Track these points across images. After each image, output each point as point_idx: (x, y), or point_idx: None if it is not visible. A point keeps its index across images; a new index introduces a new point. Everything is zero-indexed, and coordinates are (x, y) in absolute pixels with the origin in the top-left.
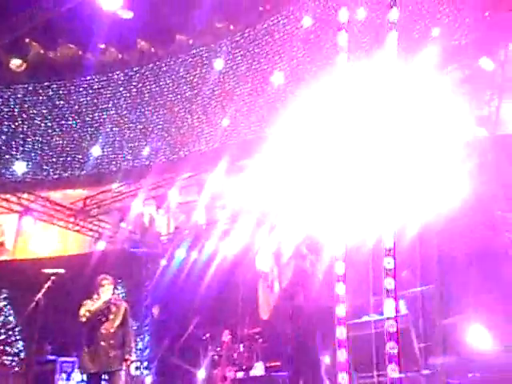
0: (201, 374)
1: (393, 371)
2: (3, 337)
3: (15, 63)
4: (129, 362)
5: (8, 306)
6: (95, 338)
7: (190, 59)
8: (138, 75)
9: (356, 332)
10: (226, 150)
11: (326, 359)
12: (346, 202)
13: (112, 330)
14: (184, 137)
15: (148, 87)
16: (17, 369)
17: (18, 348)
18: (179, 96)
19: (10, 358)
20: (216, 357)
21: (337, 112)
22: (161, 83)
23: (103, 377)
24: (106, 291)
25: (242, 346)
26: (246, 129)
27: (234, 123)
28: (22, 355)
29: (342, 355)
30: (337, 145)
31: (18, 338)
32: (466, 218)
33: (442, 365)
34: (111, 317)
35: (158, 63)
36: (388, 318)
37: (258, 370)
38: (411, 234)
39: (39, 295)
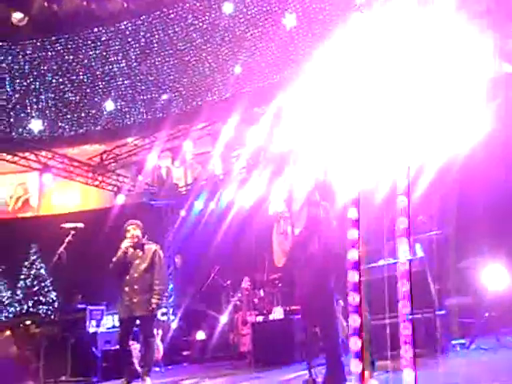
0: (223, 318)
1: (404, 307)
2: (36, 288)
3: (16, 17)
4: (153, 306)
5: (38, 260)
6: (121, 284)
7: (198, 4)
8: (145, 24)
9: (370, 276)
10: (240, 99)
11: (341, 303)
12: (360, 144)
13: (136, 275)
14: (196, 86)
15: (157, 36)
16: (52, 317)
17: (51, 298)
18: (189, 44)
19: (44, 307)
20: (238, 302)
21: (352, 52)
22: (169, 31)
23: (137, 322)
24: (131, 236)
25: (262, 291)
26: (258, 75)
27: (246, 70)
28: (55, 304)
29: (354, 298)
30: (353, 86)
31: (50, 288)
32: (487, 157)
33: (456, 305)
34: (137, 262)
35: (165, 10)
36: (400, 260)
37: (278, 313)
38: (430, 175)
39: (60, 249)
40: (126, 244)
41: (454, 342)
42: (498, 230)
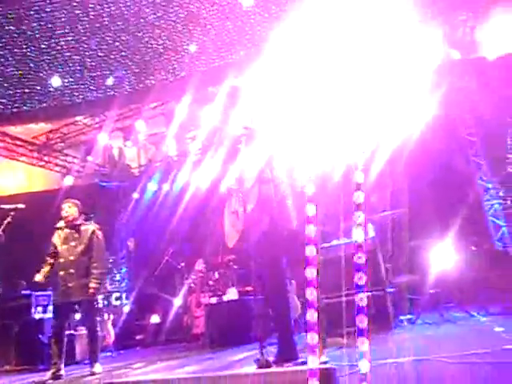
0: (177, 301)
1: (359, 279)
2: None
3: None
4: (91, 291)
5: None
6: (56, 267)
7: None
8: None
9: (325, 255)
10: (194, 78)
11: (293, 282)
12: (315, 126)
13: (72, 258)
14: (149, 64)
15: (107, 10)
16: None
17: None
18: (142, 20)
19: None
20: (192, 285)
21: (305, 34)
22: (120, 5)
23: (75, 308)
24: (65, 216)
25: (216, 273)
26: (214, 54)
27: (201, 49)
28: None
29: (311, 273)
30: (306, 68)
31: None
32: (434, 141)
33: (406, 283)
34: (72, 243)
35: None
36: (356, 235)
37: (232, 294)
38: (382, 157)
39: None
40: (60, 224)
41: (402, 318)
42: (445, 211)
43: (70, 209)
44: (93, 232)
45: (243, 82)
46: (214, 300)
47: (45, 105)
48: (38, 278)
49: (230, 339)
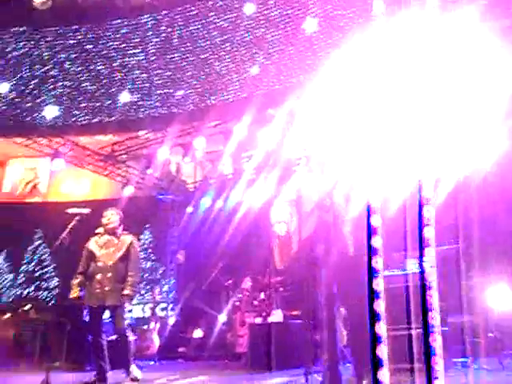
0: (221, 317)
1: (432, 319)
2: (38, 273)
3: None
4: (125, 297)
5: (42, 245)
6: (93, 271)
7: (221, 2)
8: (166, 19)
9: (387, 285)
10: (254, 100)
11: (342, 310)
12: (379, 151)
13: (110, 263)
14: (212, 84)
15: (177, 32)
16: (52, 303)
17: (52, 284)
18: (208, 42)
19: (45, 292)
20: (237, 303)
21: (371, 60)
22: (190, 28)
23: (106, 312)
24: (106, 223)
25: (262, 294)
26: (275, 77)
27: (263, 72)
28: (56, 291)
29: (379, 306)
30: (370, 94)
31: (52, 274)
32: (503, 175)
33: (460, 323)
34: (111, 249)
35: (187, 7)
36: (427, 270)
37: (277, 317)
38: (446, 188)
39: (63, 234)
40: (99, 230)
41: (455, 360)
42: (507, 248)
43: (112, 216)
44: (131, 242)
45: (302, 105)
46: (258, 320)
47: (113, 118)
48: (73, 295)
49: (273, 362)
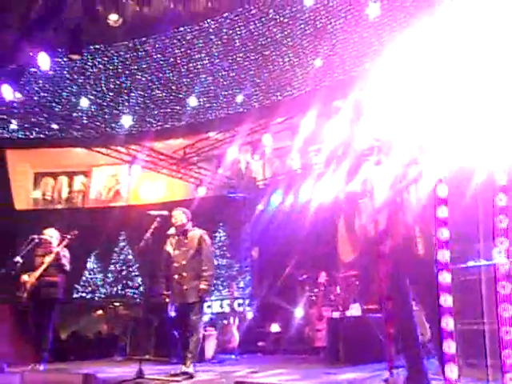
0: (298, 312)
1: (504, 311)
2: (125, 273)
3: (113, 18)
4: (202, 292)
5: (127, 246)
6: (172, 271)
7: None
8: (228, 21)
9: (459, 277)
10: (320, 92)
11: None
12: (448, 139)
13: (184, 262)
14: (276, 81)
15: (238, 33)
16: (138, 300)
17: (137, 282)
18: (270, 39)
19: (131, 290)
20: (313, 297)
21: (438, 41)
22: (251, 27)
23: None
24: (175, 222)
25: (338, 287)
26: (339, 68)
27: (326, 63)
28: (141, 288)
29: (445, 300)
30: (438, 77)
31: (136, 273)
32: None
33: None
34: (183, 249)
35: (247, 7)
36: (500, 261)
37: (355, 310)
38: None
39: (147, 235)
40: (171, 231)
41: None
42: None
43: (179, 216)
44: (200, 237)
45: (369, 94)
46: (336, 314)
47: (183, 122)
48: (164, 292)
49: (353, 356)
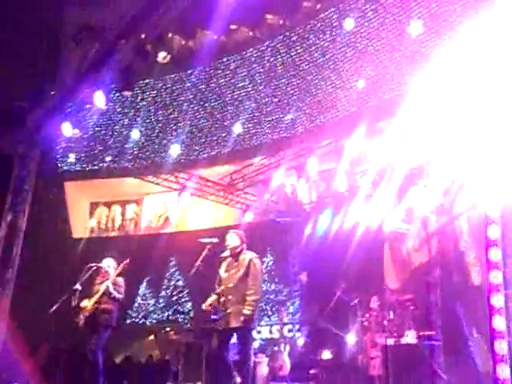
0: (350, 338)
1: None
2: (175, 298)
3: (161, 55)
4: (244, 318)
5: (177, 272)
6: (219, 294)
7: (319, 24)
8: (269, 49)
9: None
10: (364, 113)
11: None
12: (499, 158)
13: (231, 285)
14: (320, 104)
15: (280, 59)
16: (188, 325)
17: (187, 307)
18: (311, 64)
19: (182, 316)
20: (366, 323)
21: (483, 61)
22: (292, 53)
23: (234, 334)
24: (227, 245)
25: (392, 313)
26: (382, 88)
27: (369, 84)
28: (191, 314)
29: (499, 322)
30: (484, 97)
31: (187, 299)
32: None
33: None
34: (232, 271)
35: (287, 34)
36: None
37: (410, 337)
38: None
39: (198, 262)
40: (225, 254)
41: None
42: None
43: (231, 238)
44: (250, 260)
45: (415, 112)
46: (391, 341)
47: (228, 149)
48: (204, 305)
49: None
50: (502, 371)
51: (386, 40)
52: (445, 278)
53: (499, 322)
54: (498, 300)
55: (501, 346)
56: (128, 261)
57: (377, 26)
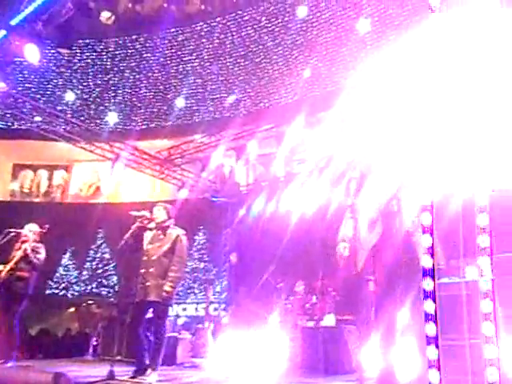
0: (273, 319)
1: (487, 329)
2: (100, 271)
3: (105, 15)
4: (164, 294)
5: (104, 244)
6: (140, 265)
7: (273, 7)
8: (220, 26)
9: (443, 292)
10: (307, 102)
11: (405, 316)
12: (433, 152)
13: (153, 258)
14: (265, 88)
15: (230, 38)
16: (112, 299)
17: (112, 281)
18: (261, 46)
19: (106, 289)
20: (289, 305)
21: (429, 60)
22: (242, 33)
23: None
24: (154, 218)
25: (314, 297)
26: (326, 80)
27: (314, 74)
28: (116, 288)
29: (429, 306)
30: (426, 94)
31: (112, 272)
32: None
33: None
34: (157, 244)
35: (239, 12)
36: (485, 278)
37: (329, 321)
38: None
39: (127, 235)
40: (151, 225)
41: None
42: None
43: (158, 212)
44: (177, 236)
45: (355, 107)
46: (311, 324)
47: (169, 123)
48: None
49: (324, 366)
50: (433, 353)
51: (336, 33)
52: (394, 261)
53: (430, 306)
54: (428, 284)
55: (430, 328)
56: (46, 226)
57: (328, 18)
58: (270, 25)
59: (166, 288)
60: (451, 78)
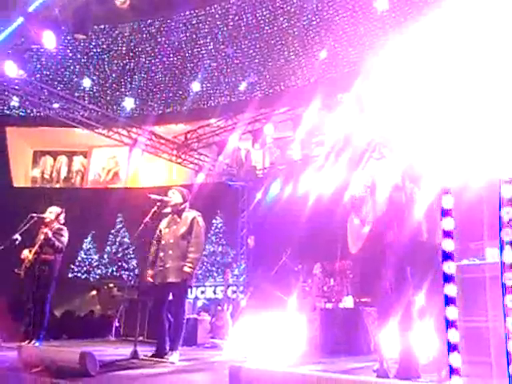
0: (291, 301)
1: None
2: (120, 254)
3: (121, 1)
4: (185, 275)
5: (123, 229)
6: (159, 249)
7: None
8: (234, 7)
9: (464, 274)
10: (323, 84)
11: (420, 299)
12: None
13: (172, 241)
14: (281, 71)
15: (245, 20)
16: (132, 282)
17: (132, 264)
18: (276, 28)
19: (126, 272)
20: (307, 288)
21: (447, 40)
22: (257, 15)
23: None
24: (169, 201)
25: (332, 279)
26: (344, 60)
27: (331, 55)
28: (136, 271)
29: (450, 290)
30: (444, 73)
31: (132, 256)
32: None
33: None
34: (174, 227)
35: None
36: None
37: (347, 303)
38: None
39: (146, 218)
40: (167, 210)
41: None
42: None
43: (173, 195)
44: (193, 218)
45: (373, 88)
46: (329, 305)
47: (185, 107)
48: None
49: (343, 347)
50: (453, 336)
51: (352, 12)
52: (398, 236)
53: (451, 289)
54: (449, 267)
55: (451, 312)
56: (63, 210)
57: None
58: (285, 5)
59: (186, 269)
60: (474, 58)
